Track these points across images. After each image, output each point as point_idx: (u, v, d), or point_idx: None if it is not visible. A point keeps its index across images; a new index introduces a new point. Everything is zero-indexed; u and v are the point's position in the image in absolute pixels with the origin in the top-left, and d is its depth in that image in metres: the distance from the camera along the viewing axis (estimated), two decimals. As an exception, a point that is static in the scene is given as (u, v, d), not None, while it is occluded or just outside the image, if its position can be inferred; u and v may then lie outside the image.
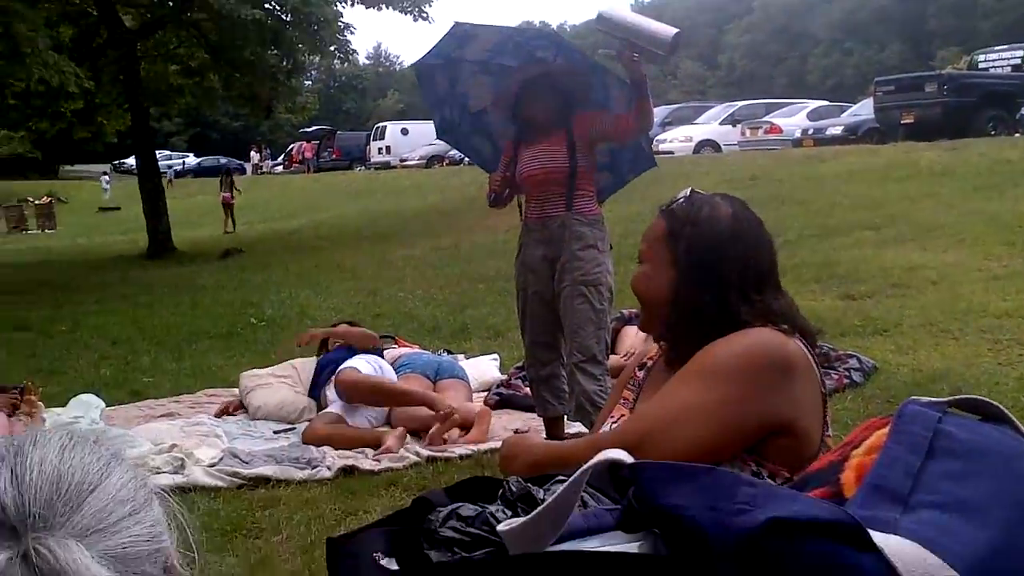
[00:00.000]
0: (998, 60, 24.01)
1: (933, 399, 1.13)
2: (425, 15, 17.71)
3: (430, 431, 5.63)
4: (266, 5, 17.05)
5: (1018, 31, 55.86)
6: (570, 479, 1.09)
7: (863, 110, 25.36)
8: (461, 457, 5.36)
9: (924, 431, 1.06)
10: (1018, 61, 23.33)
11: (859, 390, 5.93)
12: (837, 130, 24.41)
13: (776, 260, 2.16)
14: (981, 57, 24.97)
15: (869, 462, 1.07)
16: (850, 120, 25.37)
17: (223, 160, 58.92)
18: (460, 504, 1.22)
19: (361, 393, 5.84)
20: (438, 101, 5.69)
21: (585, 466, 1.13)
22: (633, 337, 6.83)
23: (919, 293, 8.31)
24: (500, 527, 1.13)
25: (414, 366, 6.47)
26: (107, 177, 45.80)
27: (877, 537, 0.98)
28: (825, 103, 31.36)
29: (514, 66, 5.37)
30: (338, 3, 18.02)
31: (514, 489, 1.19)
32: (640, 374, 2.25)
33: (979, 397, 1.16)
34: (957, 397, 1.16)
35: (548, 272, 5.02)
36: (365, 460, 5.34)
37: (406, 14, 17.75)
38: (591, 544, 1.23)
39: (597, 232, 5.00)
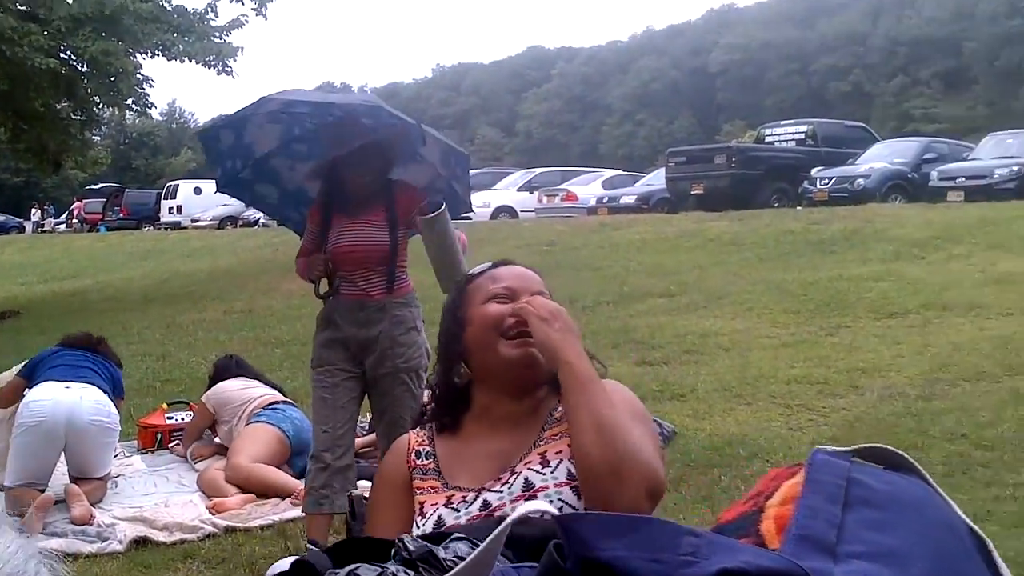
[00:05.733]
0: (783, 134, 25.25)
1: (838, 448, 1.12)
2: (229, 69, 17.24)
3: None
4: (62, 54, 16.32)
5: (800, 107, 59.62)
6: (494, 533, 1.01)
7: (655, 180, 26.27)
8: (262, 528, 5.20)
9: (838, 480, 1.05)
10: (802, 136, 24.61)
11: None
12: (631, 199, 25.19)
13: None
14: (768, 131, 26.18)
15: (787, 512, 1.05)
16: (643, 190, 26.25)
17: (2, 217, 56.26)
18: (358, 565, 1.11)
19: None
20: (220, 156, 5.33)
21: (507, 520, 1.06)
22: None
23: (712, 359, 8.53)
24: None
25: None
26: None
27: (823, 587, 0.96)
28: (619, 172, 32.43)
29: (307, 112, 5.15)
30: (138, 54, 17.39)
31: (412, 548, 1.10)
32: (422, 462, 2.15)
33: (884, 446, 1.16)
34: (862, 446, 1.15)
35: (361, 355, 4.67)
36: (157, 533, 5.14)
37: (209, 68, 17.20)
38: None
39: (414, 311, 4.74)
